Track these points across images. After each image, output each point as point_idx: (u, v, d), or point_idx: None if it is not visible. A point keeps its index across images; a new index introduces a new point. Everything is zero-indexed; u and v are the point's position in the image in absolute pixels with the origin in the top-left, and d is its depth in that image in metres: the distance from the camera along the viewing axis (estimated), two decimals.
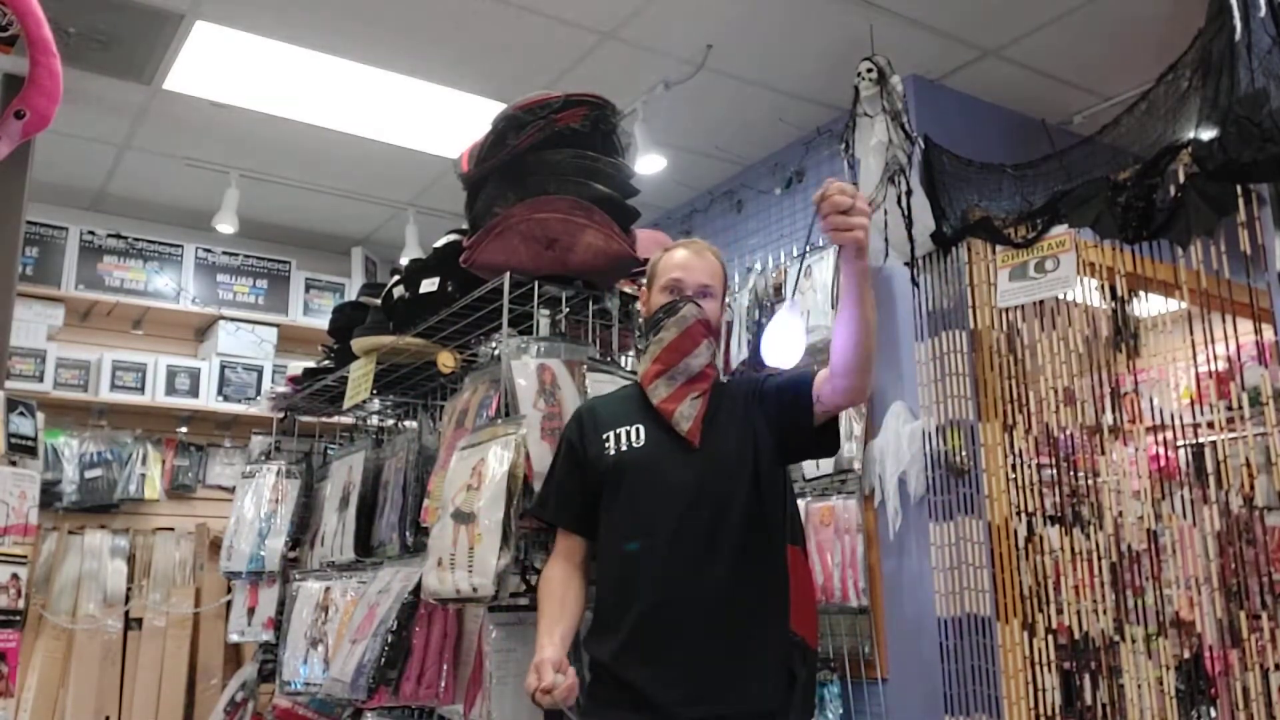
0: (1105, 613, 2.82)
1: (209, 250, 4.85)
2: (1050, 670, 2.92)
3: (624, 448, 1.96)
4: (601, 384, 2.30)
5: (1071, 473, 3.02)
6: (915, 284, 3.31)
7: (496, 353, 2.57)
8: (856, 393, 1.85)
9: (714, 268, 2.06)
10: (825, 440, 1.98)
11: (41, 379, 4.32)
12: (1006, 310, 3.14)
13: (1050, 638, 2.94)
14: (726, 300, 2.23)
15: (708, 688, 1.80)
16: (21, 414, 2.64)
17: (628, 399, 2.06)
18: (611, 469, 1.95)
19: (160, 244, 4.76)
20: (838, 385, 1.85)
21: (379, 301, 3.05)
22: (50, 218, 4.51)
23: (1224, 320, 2.61)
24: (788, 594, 1.92)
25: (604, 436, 1.99)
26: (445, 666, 2.28)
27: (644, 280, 2.49)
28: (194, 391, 4.68)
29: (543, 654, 1.80)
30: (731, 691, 1.81)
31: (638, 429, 1.97)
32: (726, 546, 1.86)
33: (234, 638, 3.70)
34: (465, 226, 2.61)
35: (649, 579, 1.85)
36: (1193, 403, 3.42)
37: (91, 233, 4.59)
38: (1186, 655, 2.96)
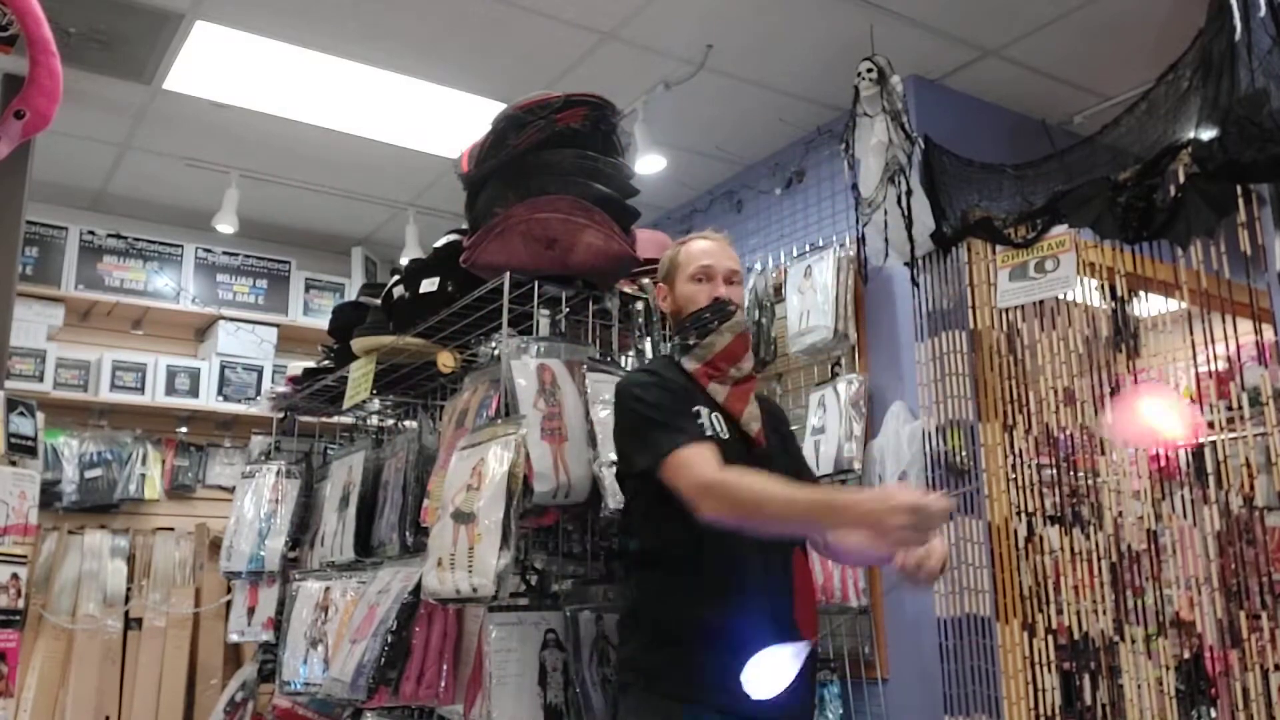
0: (1105, 613, 2.82)
1: (209, 250, 4.85)
2: (1050, 670, 2.91)
3: (715, 431, 1.90)
4: (602, 384, 2.30)
5: (1071, 473, 3.02)
6: (915, 284, 3.31)
7: (496, 353, 2.57)
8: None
9: (736, 256, 2.09)
10: None
11: (41, 379, 4.32)
12: (1006, 310, 3.14)
13: (1050, 638, 2.94)
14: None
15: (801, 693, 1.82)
16: (21, 414, 2.65)
17: (686, 387, 1.98)
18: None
19: (160, 244, 4.76)
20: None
21: (379, 301, 3.05)
22: (50, 218, 4.51)
23: (1224, 320, 2.61)
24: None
25: (694, 409, 1.92)
26: (445, 666, 2.28)
27: (644, 280, 2.48)
28: (194, 391, 4.68)
29: (864, 498, 1.59)
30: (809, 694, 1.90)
31: (717, 417, 1.92)
32: (783, 549, 1.90)
33: (234, 638, 3.70)
34: (465, 226, 2.61)
35: (744, 578, 1.84)
36: (1192, 403, 3.42)
37: (91, 233, 4.59)
38: (1186, 655, 2.96)
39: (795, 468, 2.05)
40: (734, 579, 1.84)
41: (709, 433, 1.87)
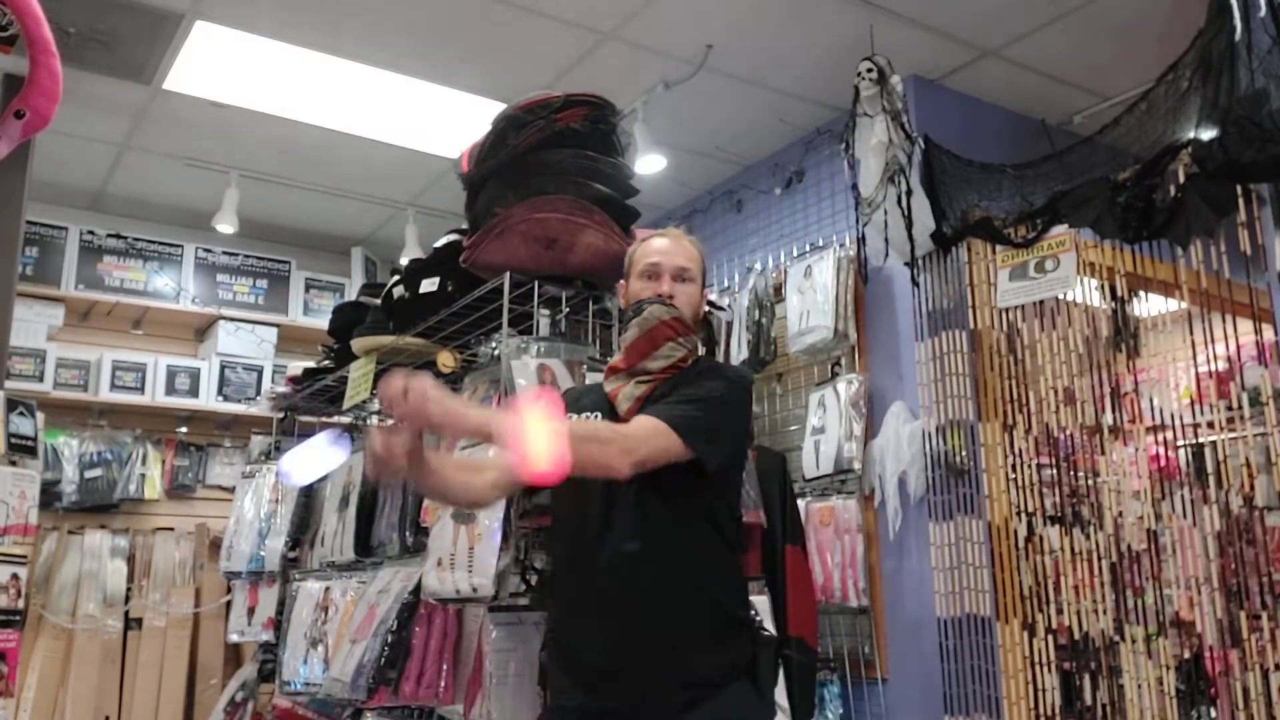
0: (1105, 613, 2.82)
1: (209, 250, 4.85)
2: (1050, 670, 2.91)
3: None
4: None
5: (1071, 473, 3.02)
6: (915, 284, 3.31)
7: (496, 353, 2.57)
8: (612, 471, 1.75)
9: (691, 253, 2.03)
10: None
11: (41, 379, 4.32)
12: (1006, 310, 3.14)
13: (1050, 638, 2.94)
14: (728, 303, 2.23)
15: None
16: (21, 414, 2.64)
17: (595, 389, 2.06)
18: None
19: (160, 244, 4.75)
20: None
21: (379, 301, 3.05)
22: (50, 218, 4.50)
23: (1224, 320, 2.61)
24: (698, 562, 1.88)
25: (569, 417, 1.97)
26: (445, 666, 2.28)
27: None
28: (194, 391, 4.68)
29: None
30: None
31: (594, 416, 1.96)
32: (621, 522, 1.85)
33: (234, 638, 3.70)
34: (465, 226, 2.61)
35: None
36: (1193, 403, 3.42)
37: (91, 233, 4.59)
38: (1186, 655, 2.96)
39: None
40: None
41: None
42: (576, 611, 1.86)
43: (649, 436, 1.75)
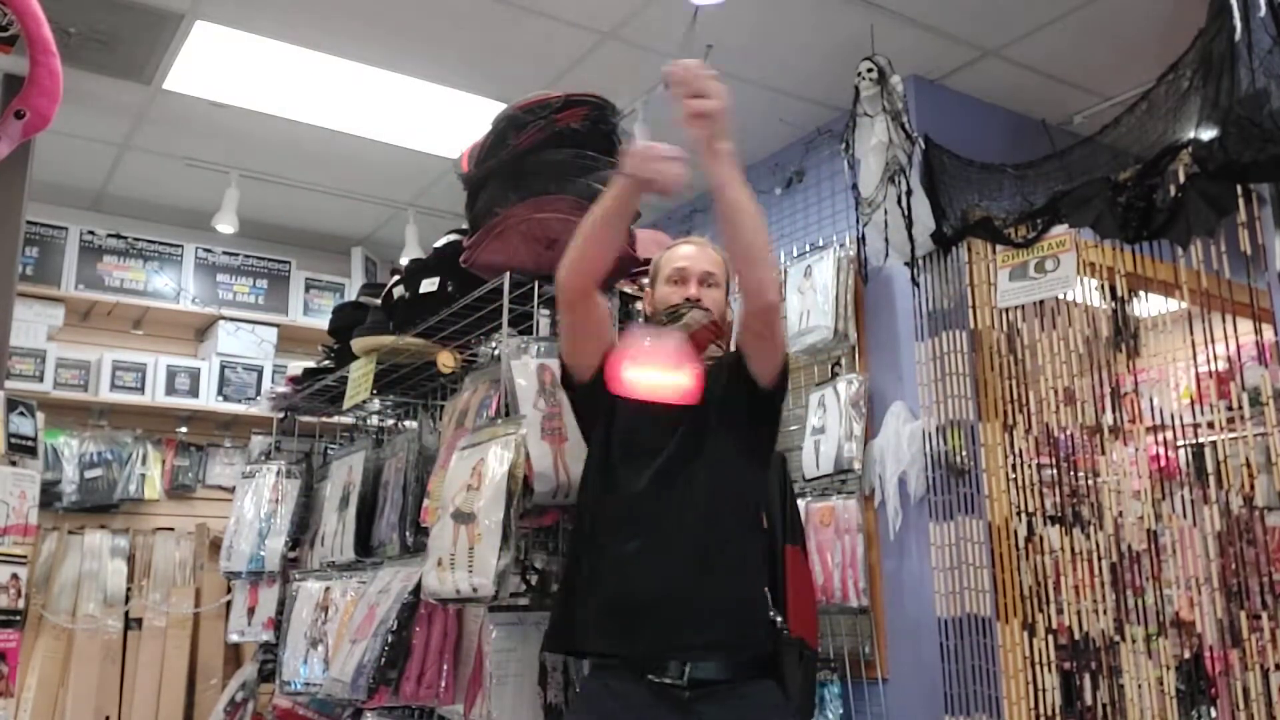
0: (1105, 613, 2.82)
1: (209, 250, 4.85)
2: (1050, 670, 2.91)
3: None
4: None
5: (1071, 473, 3.02)
6: (915, 284, 3.31)
7: (496, 353, 2.57)
8: (754, 292, 1.83)
9: (716, 259, 2.08)
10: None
11: (41, 379, 4.32)
12: (1006, 310, 3.14)
13: (1050, 638, 2.94)
14: (729, 299, 2.23)
15: None
16: (21, 414, 2.64)
17: None
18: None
19: (160, 244, 4.75)
20: (741, 285, 1.89)
21: (379, 301, 3.05)
22: (50, 218, 4.50)
23: (1224, 320, 2.61)
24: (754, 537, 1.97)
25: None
26: (445, 666, 2.28)
27: (645, 280, 2.48)
28: (194, 391, 4.68)
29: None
30: None
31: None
32: None
33: (234, 638, 3.70)
34: (465, 226, 2.61)
35: None
36: (1193, 403, 3.42)
37: (91, 233, 4.59)
38: (1186, 655, 2.96)
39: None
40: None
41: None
42: (635, 563, 1.83)
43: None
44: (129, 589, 4.33)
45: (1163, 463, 2.97)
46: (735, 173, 1.81)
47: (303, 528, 3.52)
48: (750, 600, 1.85)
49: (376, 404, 3.56)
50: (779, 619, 1.97)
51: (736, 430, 1.90)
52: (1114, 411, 2.95)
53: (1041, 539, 2.99)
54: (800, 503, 3.18)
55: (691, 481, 1.85)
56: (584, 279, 1.90)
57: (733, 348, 2.07)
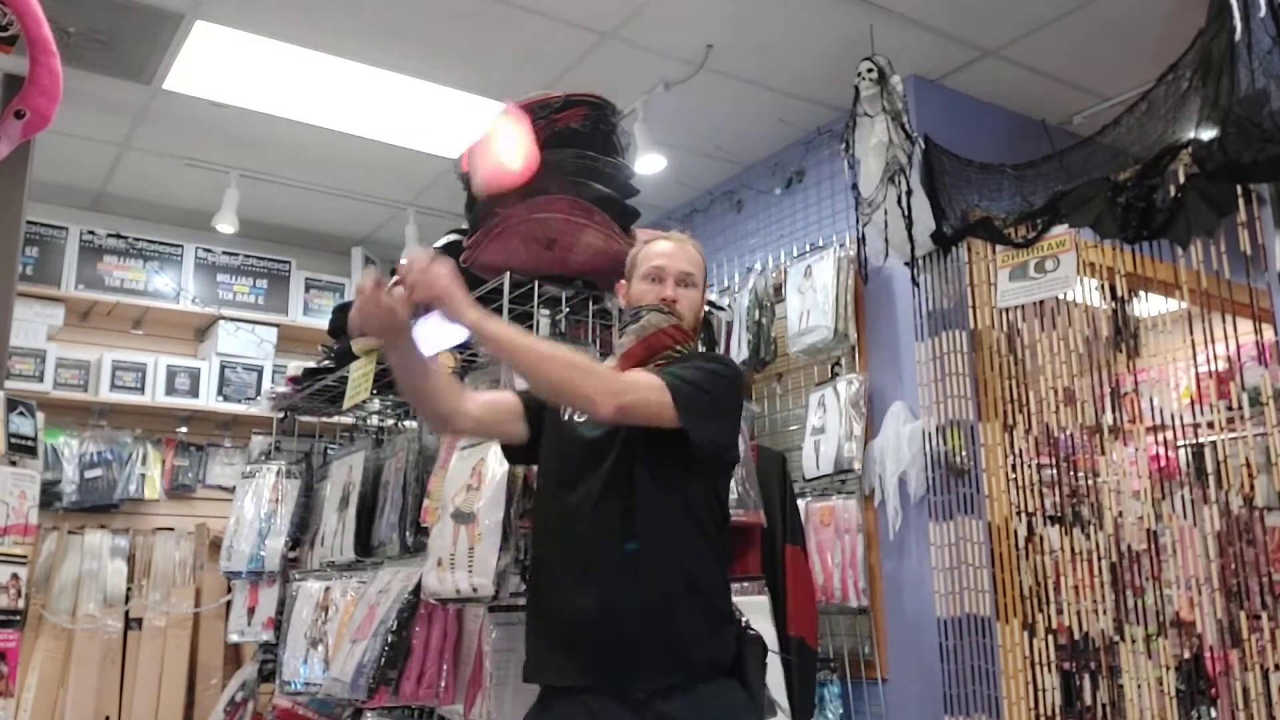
0: (1105, 613, 2.82)
1: (209, 250, 4.85)
2: (1050, 670, 2.92)
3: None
4: None
5: (1071, 473, 3.02)
6: (915, 284, 3.31)
7: None
8: (591, 411, 1.76)
9: (695, 257, 2.02)
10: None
11: (41, 379, 4.32)
12: (1006, 310, 3.14)
13: (1050, 638, 2.94)
14: (728, 302, 2.23)
15: None
16: (21, 414, 2.64)
17: None
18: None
19: (160, 244, 4.75)
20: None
21: None
22: (50, 218, 4.50)
23: (1224, 320, 2.61)
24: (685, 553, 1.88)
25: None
26: (445, 666, 2.28)
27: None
28: (194, 391, 4.68)
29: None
30: None
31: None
32: None
33: (234, 638, 3.70)
34: (465, 226, 2.61)
35: None
36: (1193, 403, 3.42)
37: (91, 233, 4.59)
38: (1186, 655, 2.96)
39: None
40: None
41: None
42: (569, 589, 1.81)
43: (640, 386, 1.74)
44: (129, 589, 4.33)
45: (1163, 463, 2.97)
46: (499, 324, 1.73)
47: (303, 528, 3.52)
48: (680, 608, 1.79)
49: (376, 404, 3.56)
50: (744, 618, 1.94)
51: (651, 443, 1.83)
52: (1114, 411, 2.95)
53: (1041, 539, 2.99)
54: (800, 503, 3.18)
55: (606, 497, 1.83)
56: (445, 417, 1.87)
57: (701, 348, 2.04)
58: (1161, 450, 3.01)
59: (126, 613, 4.28)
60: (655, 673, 1.73)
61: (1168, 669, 2.73)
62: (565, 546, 1.83)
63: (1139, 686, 2.72)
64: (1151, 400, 3.21)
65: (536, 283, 2.42)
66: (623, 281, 2.07)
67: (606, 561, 1.77)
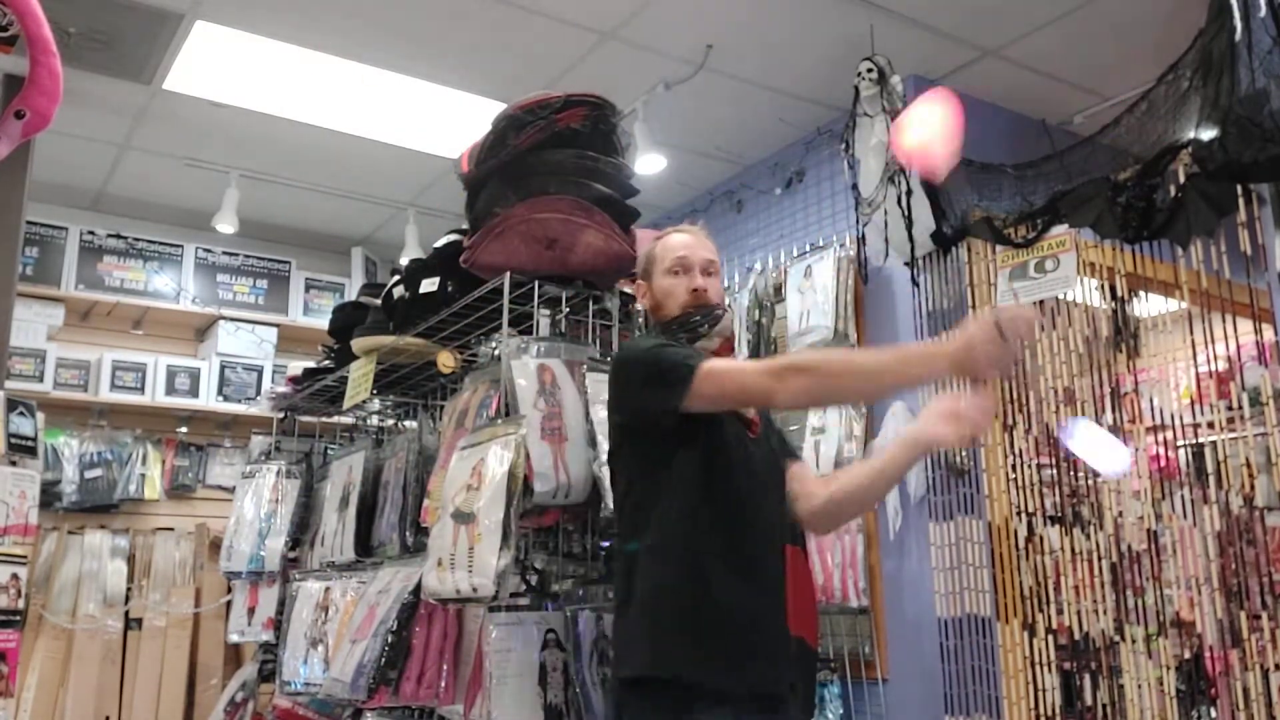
0: (1105, 613, 2.82)
1: (209, 250, 4.85)
2: (1050, 670, 2.91)
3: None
4: (602, 384, 2.29)
5: (1071, 473, 3.02)
6: (915, 284, 3.31)
7: (496, 353, 2.57)
8: (818, 531, 1.93)
9: (712, 246, 2.04)
10: None
11: (41, 379, 4.32)
12: None
13: (1050, 638, 2.94)
14: (728, 302, 2.25)
15: None
16: (21, 414, 2.64)
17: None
18: (711, 425, 1.83)
19: (160, 244, 4.75)
20: (815, 519, 1.98)
21: (379, 301, 3.05)
22: (50, 218, 4.50)
23: (1224, 320, 2.61)
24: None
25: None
26: (445, 666, 2.28)
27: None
28: (194, 391, 4.68)
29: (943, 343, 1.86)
30: None
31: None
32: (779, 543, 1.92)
33: (234, 638, 3.70)
34: (465, 226, 2.61)
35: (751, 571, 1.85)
36: (1193, 403, 3.42)
37: (91, 233, 4.59)
38: (1187, 655, 2.96)
39: (787, 454, 2.06)
40: (741, 570, 1.81)
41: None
42: (768, 587, 1.83)
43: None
44: (129, 589, 4.33)
45: (1163, 463, 2.97)
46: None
47: (303, 528, 3.52)
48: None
49: (376, 404, 3.56)
50: None
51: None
52: (1114, 411, 2.95)
53: (1041, 539, 2.99)
54: None
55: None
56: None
57: None
58: (1161, 450, 3.01)
59: (126, 613, 4.28)
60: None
61: (1168, 669, 2.73)
62: (763, 538, 1.87)
63: (1139, 686, 2.72)
64: (1151, 400, 3.21)
65: (536, 283, 2.42)
66: (640, 281, 2.06)
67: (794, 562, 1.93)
